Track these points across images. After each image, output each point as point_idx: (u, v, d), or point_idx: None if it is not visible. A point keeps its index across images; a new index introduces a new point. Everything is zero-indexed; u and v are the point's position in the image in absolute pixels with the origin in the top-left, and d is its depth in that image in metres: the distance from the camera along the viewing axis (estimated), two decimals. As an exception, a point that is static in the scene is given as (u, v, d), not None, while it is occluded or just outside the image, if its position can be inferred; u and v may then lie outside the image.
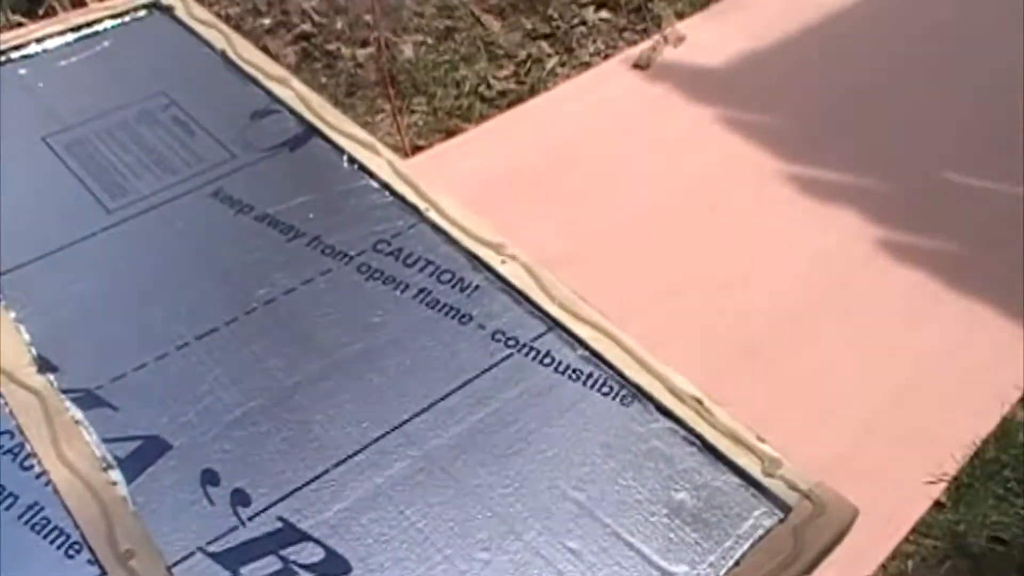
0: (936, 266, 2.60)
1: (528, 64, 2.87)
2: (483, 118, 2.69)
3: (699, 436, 1.31)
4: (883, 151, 2.87)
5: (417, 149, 2.58)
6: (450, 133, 2.64)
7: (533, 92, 2.79)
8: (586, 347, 1.40)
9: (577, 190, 2.57)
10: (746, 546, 1.21)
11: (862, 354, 2.37)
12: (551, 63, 2.90)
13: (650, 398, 1.34)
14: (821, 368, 2.32)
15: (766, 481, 1.26)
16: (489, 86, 2.79)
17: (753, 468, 1.28)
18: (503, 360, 1.39)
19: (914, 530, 2.09)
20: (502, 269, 1.48)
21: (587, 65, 2.91)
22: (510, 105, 2.74)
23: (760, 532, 1.23)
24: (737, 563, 1.19)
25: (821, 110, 2.95)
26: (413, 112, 2.69)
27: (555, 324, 1.43)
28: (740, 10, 3.20)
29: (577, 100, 2.79)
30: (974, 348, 2.44)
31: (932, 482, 2.15)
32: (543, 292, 1.45)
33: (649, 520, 1.23)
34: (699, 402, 1.33)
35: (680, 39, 3.03)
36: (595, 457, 1.29)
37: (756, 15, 3.19)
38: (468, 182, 2.49)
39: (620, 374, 1.37)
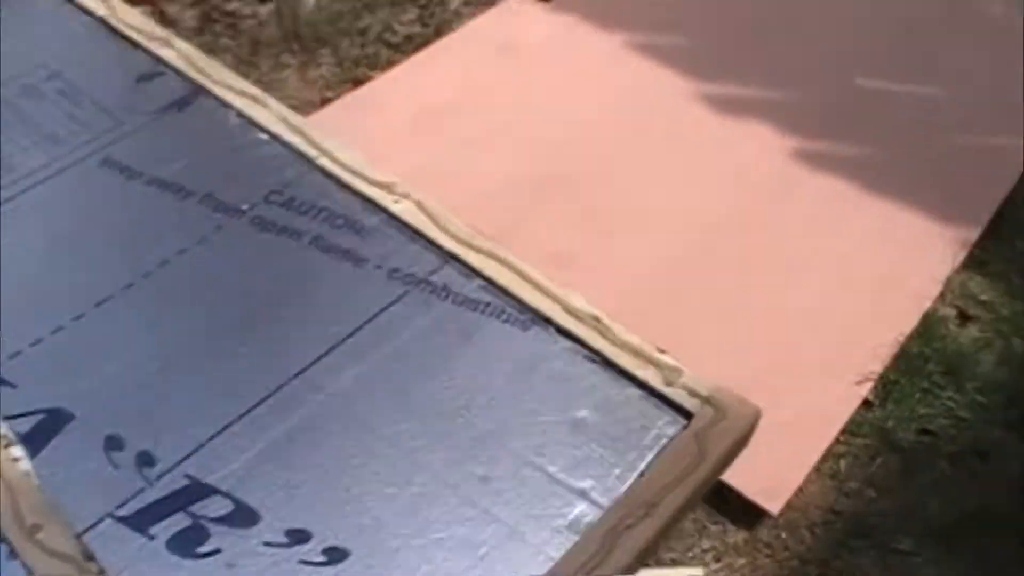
0: (853, 172, 2.62)
1: (432, 6, 2.84)
2: (390, 64, 2.67)
3: (599, 353, 1.31)
4: (794, 64, 2.88)
5: (326, 101, 2.56)
6: (357, 82, 2.62)
7: (439, 34, 2.77)
8: (483, 277, 1.40)
9: (490, 129, 2.56)
10: (650, 456, 1.22)
11: (784, 264, 2.38)
12: (455, 3, 2.87)
13: (549, 320, 1.35)
14: (745, 280, 2.33)
15: (667, 391, 1.27)
16: (394, 32, 2.77)
17: (654, 379, 1.28)
18: (401, 297, 1.39)
19: (844, 430, 2.11)
20: (395, 208, 1.48)
21: (492, 2, 2.89)
22: (416, 49, 2.72)
23: (664, 441, 1.24)
24: (642, 473, 1.20)
25: (730, 28, 2.94)
26: (319, 65, 2.66)
27: (451, 257, 1.43)
28: (643, -66, 3.18)
29: (483, 38, 2.77)
30: (893, 249, 2.46)
31: (860, 382, 2.18)
32: (437, 227, 1.45)
33: (554, 440, 1.24)
34: (597, 320, 1.33)
35: (583, -32, 3.01)
36: (498, 384, 1.30)
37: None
38: (377, 129, 2.48)
39: (518, 300, 1.37)
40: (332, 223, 1.48)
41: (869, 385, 2.18)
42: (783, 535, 1.98)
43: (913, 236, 2.49)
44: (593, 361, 1.31)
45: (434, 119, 2.52)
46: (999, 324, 2.36)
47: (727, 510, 1.99)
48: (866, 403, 2.16)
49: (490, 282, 1.39)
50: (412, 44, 2.74)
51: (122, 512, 1.19)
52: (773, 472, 2.01)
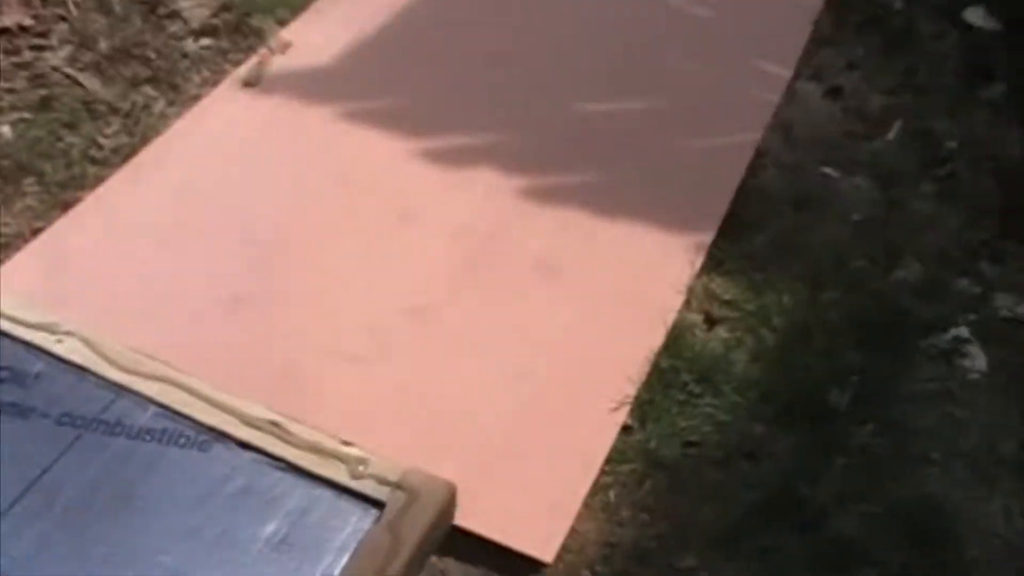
0: (584, 198, 2.63)
1: (135, 113, 2.75)
2: (99, 181, 2.57)
3: (282, 459, 1.26)
4: (514, 104, 2.88)
5: (37, 231, 2.44)
6: (67, 206, 2.50)
7: (145, 141, 2.68)
8: (156, 404, 1.33)
9: (209, 230, 2.48)
10: (346, 557, 1.17)
11: (523, 304, 2.37)
12: (159, 106, 2.79)
13: (228, 436, 1.29)
14: (486, 324, 2.31)
15: (355, 484, 1.23)
16: (99, 147, 2.67)
17: (340, 475, 1.24)
18: (73, 443, 1.32)
19: (608, 460, 2.10)
20: (59, 349, 1.41)
21: (197, 98, 2.82)
22: (124, 160, 2.63)
23: (360, 537, 1.19)
24: (337, 578, 1.15)
25: (439, 83, 2.93)
26: (25, 195, 2.54)
27: (122, 389, 1.36)
28: (339, 5, 3.15)
29: (190, 137, 2.69)
30: (632, 266, 2.48)
31: (616, 408, 2.17)
32: (105, 360, 1.38)
33: (242, 562, 1.18)
34: (276, 425, 1.28)
35: (286, 46, 2.96)
36: (183, 513, 1.23)
37: (356, 6, 3.15)
38: (87, 255, 2.37)
39: (195, 421, 1.31)
40: (-5, 378, 1.40)
41: (626, 409, 2.18)
42: (565, 581, 1.95)
43: (651, 250, 2.51)
44: (278, 469, 1.25)
45: (143, 241, 2.43)
46: (746, 320, 2.40)
47: (504, 568, 1.95)
48: (626, 428, 2.16)
49: (165, 408, 1.32)
50: (120, 156, 2.64)
51: None
52: (541, 519, 1.99)
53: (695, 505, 2.07)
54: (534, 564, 1.94)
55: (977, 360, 2.39)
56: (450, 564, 1.94)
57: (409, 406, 2.05)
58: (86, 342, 1.38)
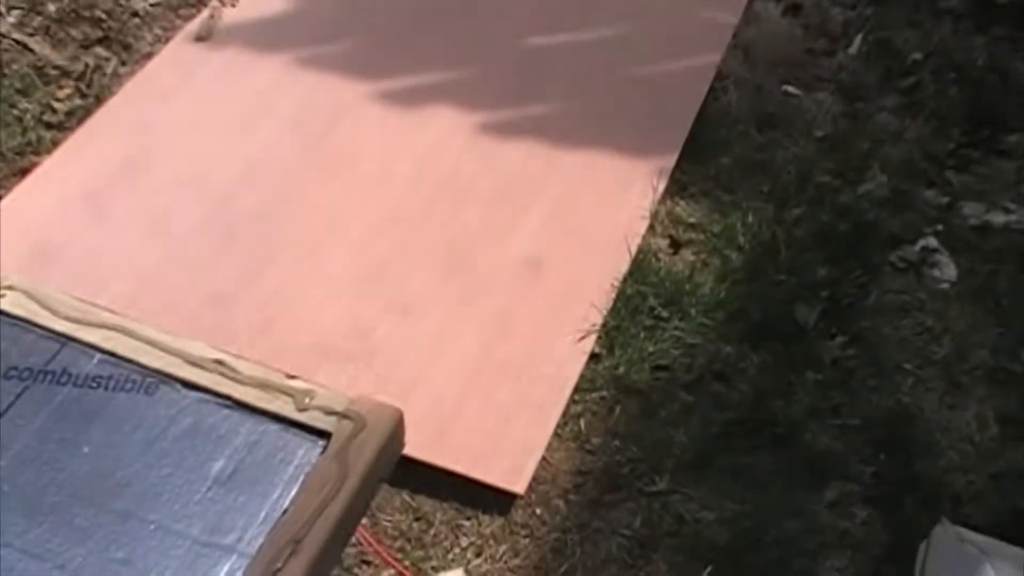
0: (544, 131, 2.61)
1: (88, 75, 2.72)
2: (55, 145, 2.54)
3: (228, 397, 1.25)
4: (470, 41, 2.85)
5: (-3, 200, 2.43)
6: (24, 172, 2.48)
7: (100, 102, 2.65)
8: (102, 351, 1.32)
9: (168, 185, 2.46)
10: (295, 489, 1.17)
11: (485, 239, 2.35)
12: (111, 67, 2.75)
13: (173, 377, 1.28)
14: (450, 264, 2.30)
15: (301, 416, 1.22)
16: (54, 111, 2.64)
17: (286, 408, 1.23)
18: (20, 395, 1.30)
19: (577, 389, 2.09)
20: (2, 304, 1.38)
21: (150, 55, 2.78)
22: (79, 123, 2.60)
23: (307, 469, 1.18)
24: (286, 511, 1.15)
25: (390, 26, 2.88)
26: (-17, 165, 2.52)
27: (67, 339, 1.34)
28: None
29: (144, 96, 2.66)
30: (595, 195, 2.47)
31: (582, 337, 2.17)
32: (48, 311, 1.36)
33: (194, 501, 1.17)
34: (221, 363, 1.27)
35: (235, -2, 2.93)
36: (131, 458, 1.22)
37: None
38: (52, 219, 2.36)
39: (140, 365, 1.30)
40: (-63, 339, 1.38)
41: (593, 337, 2.17)
42: (538, 511, 1.95)
43: (613, 177, 2.50)
44: (224, 407, 1.24)
45: (108, 194, 2.41)
46: (712, 242, 2.39)
47: (477, 502, 1.95)
48: (594, 356, 2.15)
49: (110, 354, 1.31)
50: (74, 119, 2.61)
51: None
52: (513, 451, 1.99)
53: (666, 429, 2.07)
54: (509, 496, 1.95)
55: (946, 269, 2.39)
56: (423, 501, 1.95)
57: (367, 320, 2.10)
58: (28, 294, 1.37)
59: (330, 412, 1.21)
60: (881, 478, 2.02)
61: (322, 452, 1.18)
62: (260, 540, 1.13)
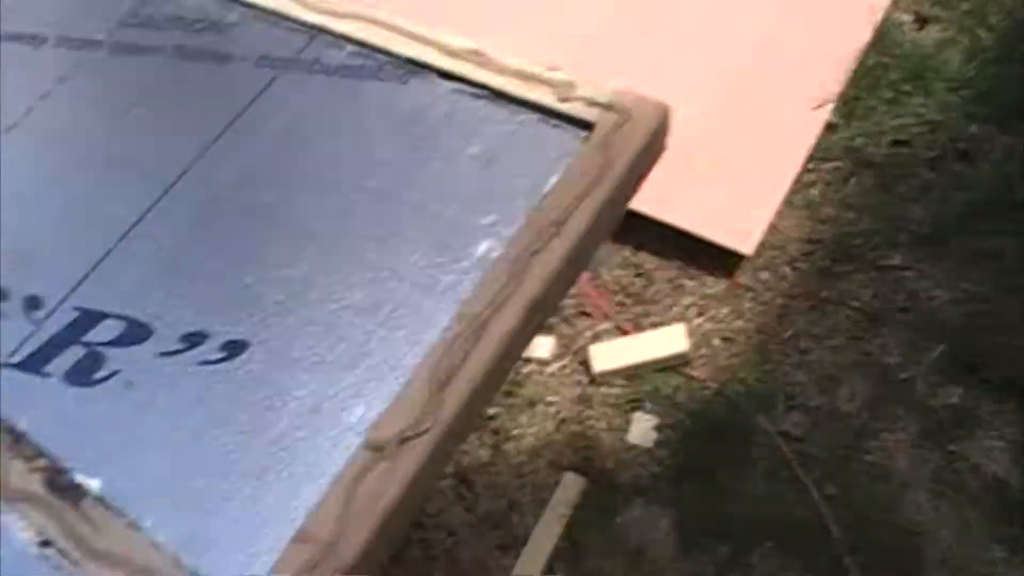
0: None
1: None
2: None
3: (484, 86, 1.20)
4: None
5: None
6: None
7: None
8: (353, 41, 1.28)
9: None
10: (555, 177, 1.12)
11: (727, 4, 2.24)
12: None
13: (427, 67, 1.23)
14: (693, 15, 2.20)
15: (563, 107, 1.16)
16: None
17: (547, 99, 1.17)
18: (272, 82, 1.29)
19: (811, 157, 2.00)
20: (252, -4, 1.36)
21: None
22: None
23: (568, 158, 1.13)
24: (546, 196, 1.10)
25: None
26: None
27: (318, 30, 1.31)
28: None
29: None
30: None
31: (820, 105, 2.06)
32: (298, 3, 1.33)
33: (450, 183, 1.14)
34: (477, 53, 1.22)
35: None
36: (384, 142, 1.20)
37: None
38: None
39: (393, 55, 1.26)
40: (191, 29, 1.38)
41: (830, 106, 2.06)
42: (764, 276, 1.89)
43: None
44: (480, 97, 1.20)
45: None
46: (961, 20, 2.22)
47: (702, 262, 1.90)
48: (830, 126, 2.04)
49: (362, 44, 1.27)
50: None
51: (15, 359, 1.11)
52: (742, 213, 1.92)
53: (904, 204, 1.97)
54: (735, 258, 1.88)
55: None
56: (646, 259, 1.90)
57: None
58: (278, -13, 1.33)
59: (593, 103, 1.15)
60: None
61: (585, 142, 1.13)
62: (518, 223, 1.08)
